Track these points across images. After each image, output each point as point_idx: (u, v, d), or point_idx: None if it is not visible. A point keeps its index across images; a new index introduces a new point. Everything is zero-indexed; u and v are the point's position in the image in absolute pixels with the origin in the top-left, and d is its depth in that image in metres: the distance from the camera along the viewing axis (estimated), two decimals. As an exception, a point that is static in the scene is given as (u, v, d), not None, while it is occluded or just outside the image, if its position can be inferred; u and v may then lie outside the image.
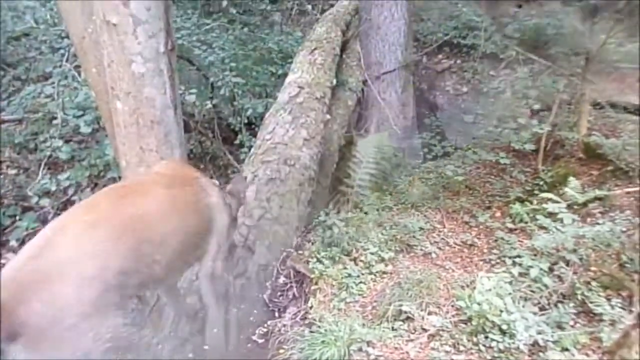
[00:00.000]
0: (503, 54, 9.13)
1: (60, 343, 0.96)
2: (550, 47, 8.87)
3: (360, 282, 1.91)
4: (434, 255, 2.11)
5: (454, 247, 2.23)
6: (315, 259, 1.97)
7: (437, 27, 9.55)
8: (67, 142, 2.55)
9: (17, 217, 2.52)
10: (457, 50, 9.72)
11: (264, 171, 2.11)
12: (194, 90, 3.13)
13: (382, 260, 2.02)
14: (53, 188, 2.38)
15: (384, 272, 1.96)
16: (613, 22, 8.65)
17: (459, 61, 9.75)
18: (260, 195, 1.95)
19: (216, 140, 4.08)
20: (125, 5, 1.30)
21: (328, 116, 3.22)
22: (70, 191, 2.62)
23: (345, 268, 1.94)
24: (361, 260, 2.01)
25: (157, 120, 1.50)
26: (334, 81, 3.83)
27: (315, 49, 4.02)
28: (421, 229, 2.37)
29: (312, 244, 2.05)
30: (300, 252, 2.07)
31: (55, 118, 2.36)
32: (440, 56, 9.93)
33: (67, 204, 2.93)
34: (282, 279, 1.96)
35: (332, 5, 7.27)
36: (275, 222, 1.92)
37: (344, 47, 5.19)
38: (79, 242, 1.05)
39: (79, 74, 2.57)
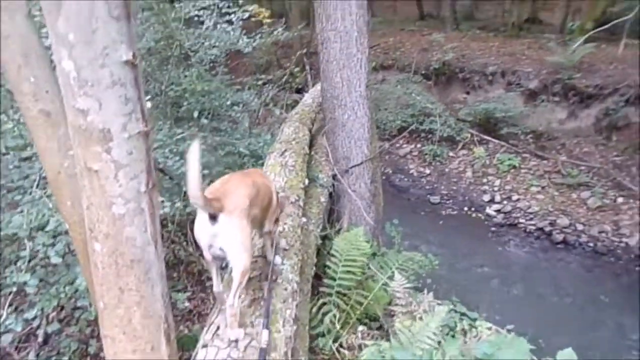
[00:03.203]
0: (459, 136, 9.79)
1: (233, 216, 1.86)
2: (501, 128, 9.61)
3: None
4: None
5: None
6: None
7: (396, 116, 10.20)
8: (34, 269, 2.42)
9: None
10: (417, 135, 10.35)
11: (246, 291, 2.04)
12: (167, 203, 3.11)
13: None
14: (19, 329, 2.20)
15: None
16: (552, 103, 9.47)
17: (419, 145, 10.32)
18: (244, 320, 1.86)
19: (189, 247, 4.00)
20: (107, 152, 1.31)
21: (304, 219, 3.23)
22: (35, 322, 2.44)
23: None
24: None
25: (137, 258, 1.45)
26: (306, 181, 3.91)
27: (285, 150, 4.15)
28: None
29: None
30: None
31: (24, 249, 2.25)
32: (401, 141, 10.48)
33: (29, 336, 2.71)
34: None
35: (296, 101, 7.69)
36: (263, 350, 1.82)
37: (311, 143, 5.39)
38: (237, 183, 2.03)
39: (49, 198, 2.51)
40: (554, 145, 9.07)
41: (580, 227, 7.47)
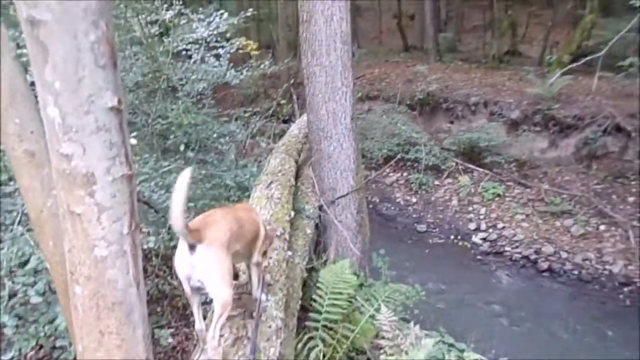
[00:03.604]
0: (444, 165, 9.95)
1: (211, 248, 1.86)
2: (485, 157, 9.79)
3: None
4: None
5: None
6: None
7: (382, 145, 10.36)
8: (12, 307, 2.37)
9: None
10: (403, 164, 10.48)
11: (230, 330, 2.03)
12: (152, 238, 3.09)
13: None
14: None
15: None
16: (533, 133, 9.70)
17: (405, 174, 10.44)
18: (227, 357, 1.84)
19: (174, 281, 3.95)
20: (90, 196, 1.33)
21: (289, 253, 3.23)
22: (12, 365, 2.37)
23: None
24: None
25: (118, 301, 1.45)
26: (292, 214, 3.93)
27: (271, 182, 4.18)
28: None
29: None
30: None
31: (4, 288, 2.21)
32: (388, 170, 10.59)
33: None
34: None
35: (284, 131, 7.77)
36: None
37: (297, 174, 5.43)
38: (219, 217, 2.04)
39: (29, 233, 2.48)
40: (536, 174, 9.26)
41: (564, 254, 7.56)
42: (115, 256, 1.43)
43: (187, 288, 1.89)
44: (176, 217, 1.73)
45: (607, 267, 7.17)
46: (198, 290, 1.89)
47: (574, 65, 7.43)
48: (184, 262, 1.84)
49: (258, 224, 2.36)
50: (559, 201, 8.42)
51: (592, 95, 8.94)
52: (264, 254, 2.41)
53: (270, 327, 2.14)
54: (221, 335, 1.92)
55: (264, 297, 2.33)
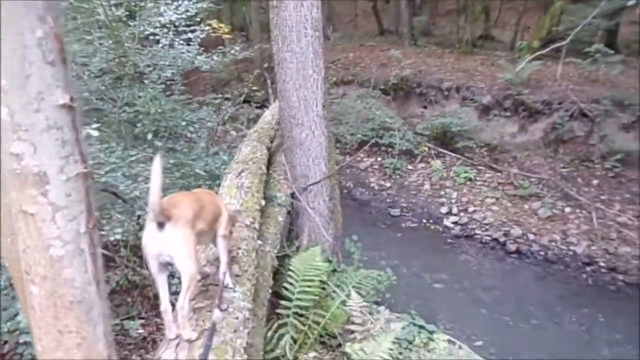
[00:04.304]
0: (417, 149, 10.07)
1: (178, 225, 2.00)
2: (457, 142, 9.95)
3: None
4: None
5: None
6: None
7: (356, 130, 10.39)
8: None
9: None
10: (377, 149, 10.55)
11: (196, 322, 2.04)
12: (119, 230, 3.05)
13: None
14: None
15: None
16: (504, 118, 9.87)
17: (379, 159, 10.52)
18: (192, 353, 1.86)
19: (144, 270, 3.92)
20: (43, 195, 1.30)
21: (259, 242, 3.25)
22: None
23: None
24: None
25: (77, 299, 1.43)
26: (263, 202, 3.93)
27: (242, 171, 4.15)
28: None
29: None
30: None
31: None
32: (362, 155, 10.65)
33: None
34: None
35: (259, 116, 7.69)
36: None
37: (270, 162, 5.41)
38: (182, 198, 2.20)
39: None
40: (506, 158, 9.48)
41: (531, 236, 7.81)
42: (72, 255, 1.42)
43: (154, 266, 2.01)
44: (154, 201, 1.87)
45: (572, 247, 7.45)
46: (166, 266, 2.02)
47: (543, 51, 7.61)
48: (153, 240, 1.97)
49: (219, 205, 2.51)
50: (527, 185, 8.66)
51: (559, 81, 9.15)
52: (230, 233, 2.55)
53: (237, 318, 2.16)
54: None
55: (231, 284, 2.37)
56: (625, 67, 9.12)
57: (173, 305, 1.99)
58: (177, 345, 1.90)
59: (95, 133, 2.55)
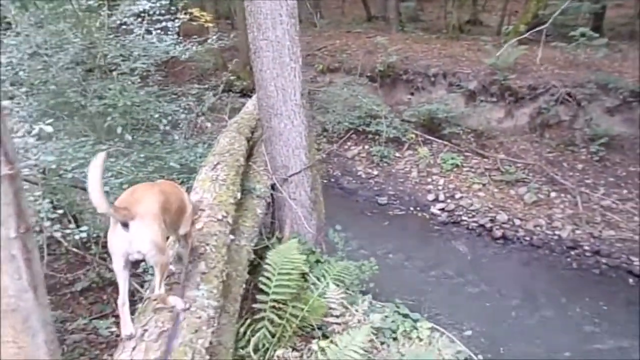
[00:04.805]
0: (404, 137, 10.00)
1: (145, 222, 1.95)
2: (444, 128, 9.89)
3: None
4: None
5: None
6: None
7: (343, 118, 10.29)
8: None
9: None
10: (364, 136, 10.46)
11: (155, 323, 1.97)
12: (84, 228, 2.96)
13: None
14: None
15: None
16: (490, 103, 9.82)
17: (366, 147, 10.44)
18: (148, 354, 1.80)
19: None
20: (-35, 200, 1.22)
21: (232, 237, 3.18)
22: None
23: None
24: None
25: (11, 308, 1.36)
26: (239, 195, 3.85)
27: (218, 163, 4.06)
28: None
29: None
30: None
31: None
32: (349, 143, 10.58)
33: None
34: None
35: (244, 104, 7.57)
36: None
37: (250, 152, 5.32)
38: (145, 191, 2.15)
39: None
40: (493, 144, 9.44)
41: (517, 222, 7.81)
42: (3, 262, 1.34)
43: (120, 264, 1.98)
44: (97, 201, 1.80)
45: (557, 232, 7.46)
46: (134, 262, 2.04)
47: (526, 35, 7.51)
48: (119, 240, 1.95)
49: (182, 197, 2.47)
50: (513, 170, 8.64)
51: (546, 65, 9.08)
52: (192, 224, 2.54)
53: (199, 317, 2.10)
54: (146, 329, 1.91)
55: (180, 304, 2.31)
56: (609, 50, 9.07)
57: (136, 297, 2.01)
58: (134, 348, 1.84)
59: (49, 129, 2.46)
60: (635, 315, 5.73)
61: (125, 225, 1.91)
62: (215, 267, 2.57)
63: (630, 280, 6.53)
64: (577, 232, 7.33)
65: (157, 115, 4.36)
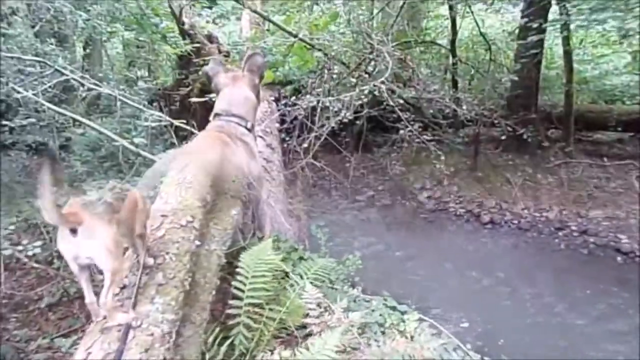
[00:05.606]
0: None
1: (94, 226, 1.88)
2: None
3: None
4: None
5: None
6: None
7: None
8: None
9: None
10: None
11: (100, 345, 1.84)
12: (38, 243, 2.82)
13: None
14: None
15: None
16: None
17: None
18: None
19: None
20: None
21: (197, 243, 3.03)
22: None
23: None
24: None
25: None
26: (209, 197, 3.69)
27: (186, 165, 3.90)
28: None
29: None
30: None
31: None
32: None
33: None
34: None
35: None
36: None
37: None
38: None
39: None
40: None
41: (505, 205, 7.75)
42: None
43: (74, 267, 1.94)
44: (48, 212, 1.73)
45: (544, 214, 7.41)
46: (87, 267, 1.97)
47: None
48: (68, 246, 1.88)
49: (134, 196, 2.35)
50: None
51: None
52: (144, 228, 2.42)
53: (151, 334, 1.96)
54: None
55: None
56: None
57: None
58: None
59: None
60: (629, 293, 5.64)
61: (73, 231, 1.84)
62: (175, 277, 2.43)
63: (619, 259, 6.48)
64: (564, 212, 7.29)
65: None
